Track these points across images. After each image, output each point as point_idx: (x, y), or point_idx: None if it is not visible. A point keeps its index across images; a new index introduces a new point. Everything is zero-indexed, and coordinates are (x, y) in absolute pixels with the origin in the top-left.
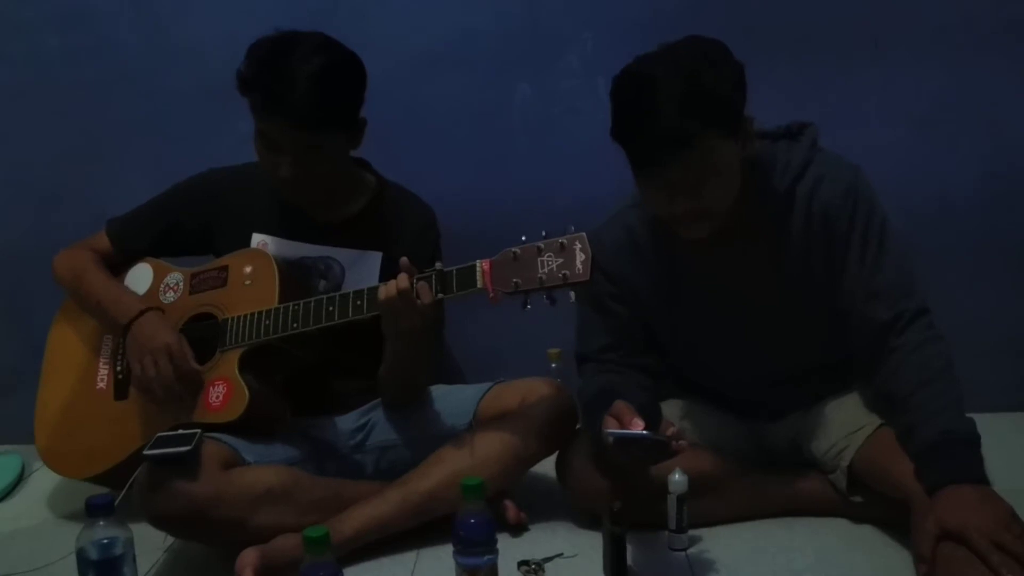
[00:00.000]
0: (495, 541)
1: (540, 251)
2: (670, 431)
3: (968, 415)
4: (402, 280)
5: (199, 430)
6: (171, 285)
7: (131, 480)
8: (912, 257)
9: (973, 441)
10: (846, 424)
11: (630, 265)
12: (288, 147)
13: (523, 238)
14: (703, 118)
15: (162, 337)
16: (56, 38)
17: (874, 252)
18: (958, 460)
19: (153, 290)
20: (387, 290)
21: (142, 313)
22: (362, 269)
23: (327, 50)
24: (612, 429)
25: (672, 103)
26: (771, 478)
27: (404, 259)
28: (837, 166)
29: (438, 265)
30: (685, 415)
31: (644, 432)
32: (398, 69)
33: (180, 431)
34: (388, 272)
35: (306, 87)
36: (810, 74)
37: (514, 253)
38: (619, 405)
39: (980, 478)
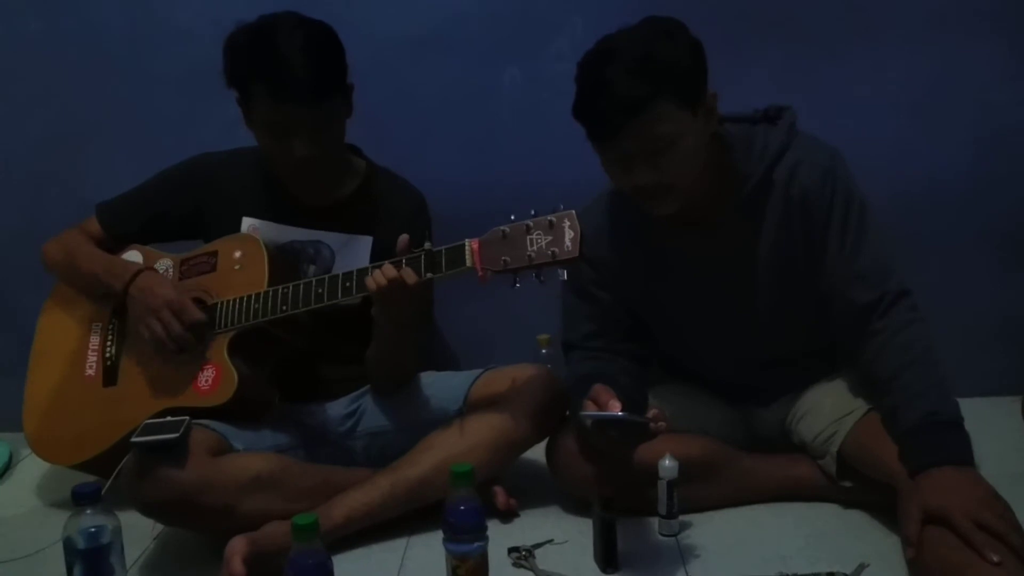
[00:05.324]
0: (485, 528)
1: (529, 229)
2: (651, 413)
3: (952, 396)
4: (388, 269)
5: (187, 417)
6: (161, 271)
7: (119, 468)
8: (892, 239)
9: (956, 422)
10: (835, 409)
11: (611, 251)
12: (302, 128)
13: (512, 216)
14: (655, 84)
15: (162, 293)
16: (38, 21)
17: (853, 235)
18: (940, 442)
19: None
20: (375, 277)
21: (138, 274)
22: (352, 253)
23: (303, 24)
24: (589, 411)
25: (624, 71)
26: (761, 463)
27: (404, 236)
28: (815, 150)
29: (427, 245)
30: (674, 400)
31: (620, 413)
32: (386, 53)
33: (168, 418)
34: (378, 256)
35: (304, 64)
36: (802, 59)
37: (503, 232)
38: (597, 388)
39: (962, 459)
